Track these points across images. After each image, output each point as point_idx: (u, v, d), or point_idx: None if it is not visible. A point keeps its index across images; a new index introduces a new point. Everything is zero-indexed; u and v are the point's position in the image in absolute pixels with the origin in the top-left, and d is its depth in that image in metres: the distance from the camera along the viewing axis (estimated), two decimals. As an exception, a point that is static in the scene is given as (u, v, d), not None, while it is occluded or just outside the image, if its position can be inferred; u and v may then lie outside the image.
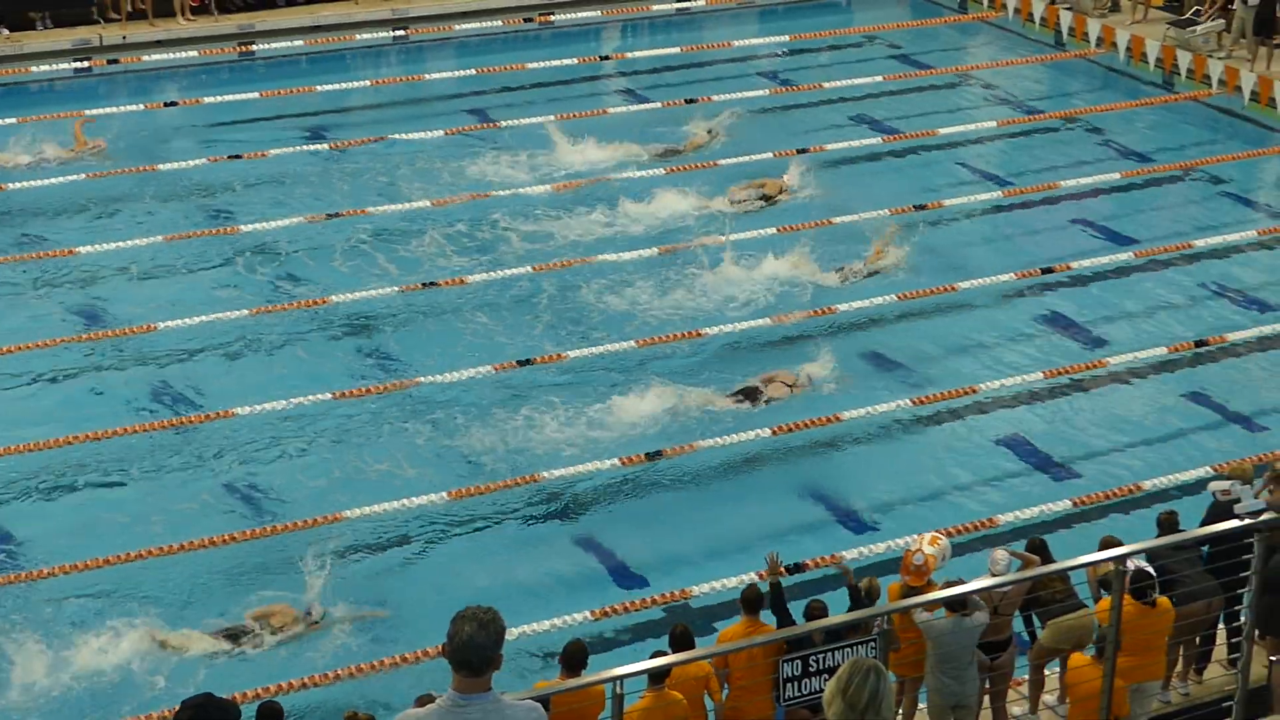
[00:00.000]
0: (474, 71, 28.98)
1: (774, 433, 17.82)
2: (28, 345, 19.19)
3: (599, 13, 32.18)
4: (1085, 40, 30.65)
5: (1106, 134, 27.06)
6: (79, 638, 14.43)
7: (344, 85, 28.44)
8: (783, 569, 12.82)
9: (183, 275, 21.42)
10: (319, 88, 27.75)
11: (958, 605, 11.90)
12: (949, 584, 12.25)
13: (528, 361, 19.02)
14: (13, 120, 25.66)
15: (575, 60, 29.45)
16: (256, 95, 27.04)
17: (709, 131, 25.88)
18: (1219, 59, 28.94)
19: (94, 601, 15.06)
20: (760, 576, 14.61)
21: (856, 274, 21.48)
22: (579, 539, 16.38)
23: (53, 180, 23.78)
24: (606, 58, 30.42)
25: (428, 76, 28.75)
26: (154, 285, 21.10)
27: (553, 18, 31.78)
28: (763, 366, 19.08)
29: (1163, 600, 12.51)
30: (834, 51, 31.30)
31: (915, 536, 13.35)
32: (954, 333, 20.49)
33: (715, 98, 27.30)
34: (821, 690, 10.05)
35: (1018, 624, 13.19)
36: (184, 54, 29.14)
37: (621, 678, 9.59)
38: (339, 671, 13.97)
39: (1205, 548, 13.10)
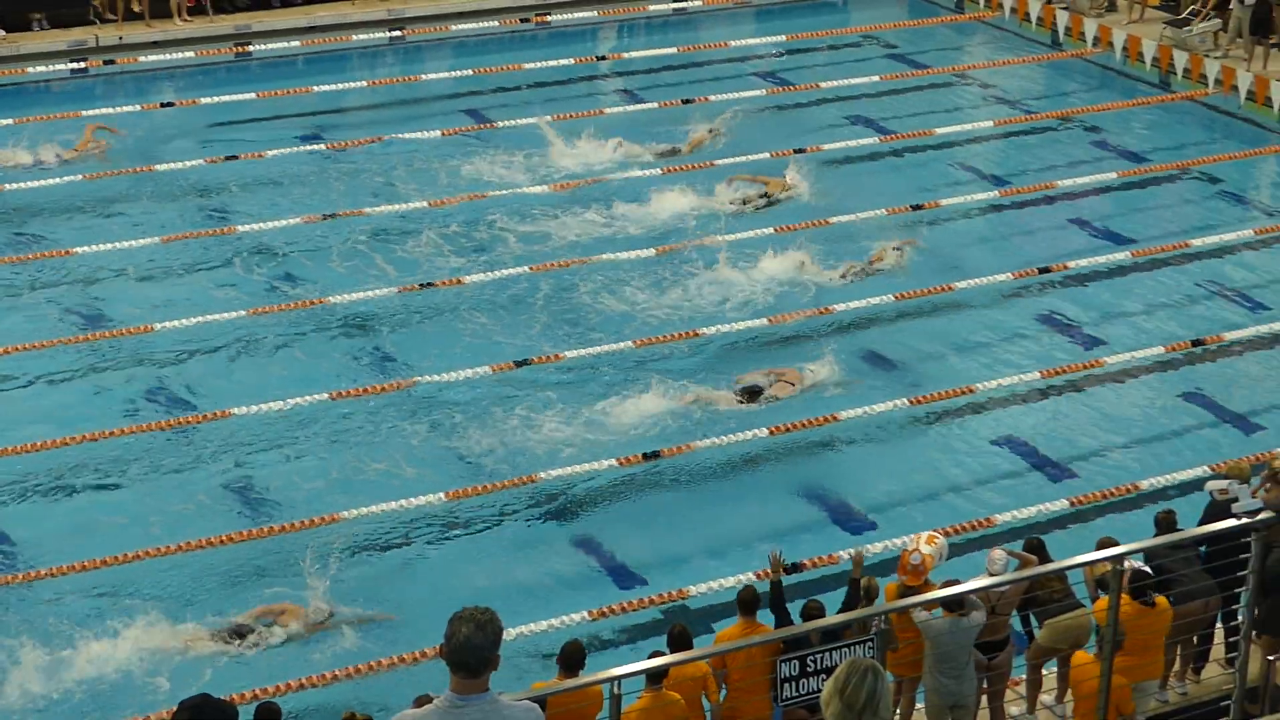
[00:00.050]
0: (471, 72, 28.99)
1: (771, 433, 17.83)
2: (25, 346, 19.19)
3: (596, 13, 32.20)
4: (1082, 40, 30.67)
5: (1103, 134, 27.07)
6: (78, 638, 14.42)
7: (341, 86, 28.44)
8: (784, 567, 12.83)
9: (180, 276, 21.42)
10: (316, 88, 27.75)
11: (955, 605, 11.91)
12: (947, 584, 12.25)
13: (526, 362, 19.03)
14: (10, 121, 25.67)
15: (572, 60, 29.46)
16: (253, 96, 27.05)
17: (710, 131, 25.89)
18: (1215, 59, 28.96)
19: (92, 602, 15.05)
20: (759, 576, 14.64)
21: (855, 274, 21.48)
22: (577, 539, 16.38)
23: (50, 181, 23.79)
24: (603, 58, 30.42)
25: (424, 77, 28.76)
26: (151, 286, 21.10)
27: (549, 18, 31.79)
28: (761, 366, 19.08)
29: (1161, 600, 12.53)
30: (831, 51, 31.31)
31: (912, 536, 13.35)
32: (951, 332, 20.50)
33: (712, 98, 27.32)
34: (819, 690, 10.06)
35: (1015, 623, 13.20)
36: (181, 55, 29.14)
37: (619, 678, 9.59)
38: (337, 672, 13.97)
39: (1202, 547, 13.11)
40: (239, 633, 14.56)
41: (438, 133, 25.97)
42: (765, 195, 23.79)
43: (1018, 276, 21.68)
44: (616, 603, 15.06)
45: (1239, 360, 20.05)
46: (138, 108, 26.65)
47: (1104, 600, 11.67)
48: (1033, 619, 13.15)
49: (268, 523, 16.18)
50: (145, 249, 21.79)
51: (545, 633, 14.41)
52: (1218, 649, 13.58)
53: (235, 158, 24.79)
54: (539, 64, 28.98)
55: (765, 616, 12.49)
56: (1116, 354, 19.80)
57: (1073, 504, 16.70)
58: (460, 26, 31.24)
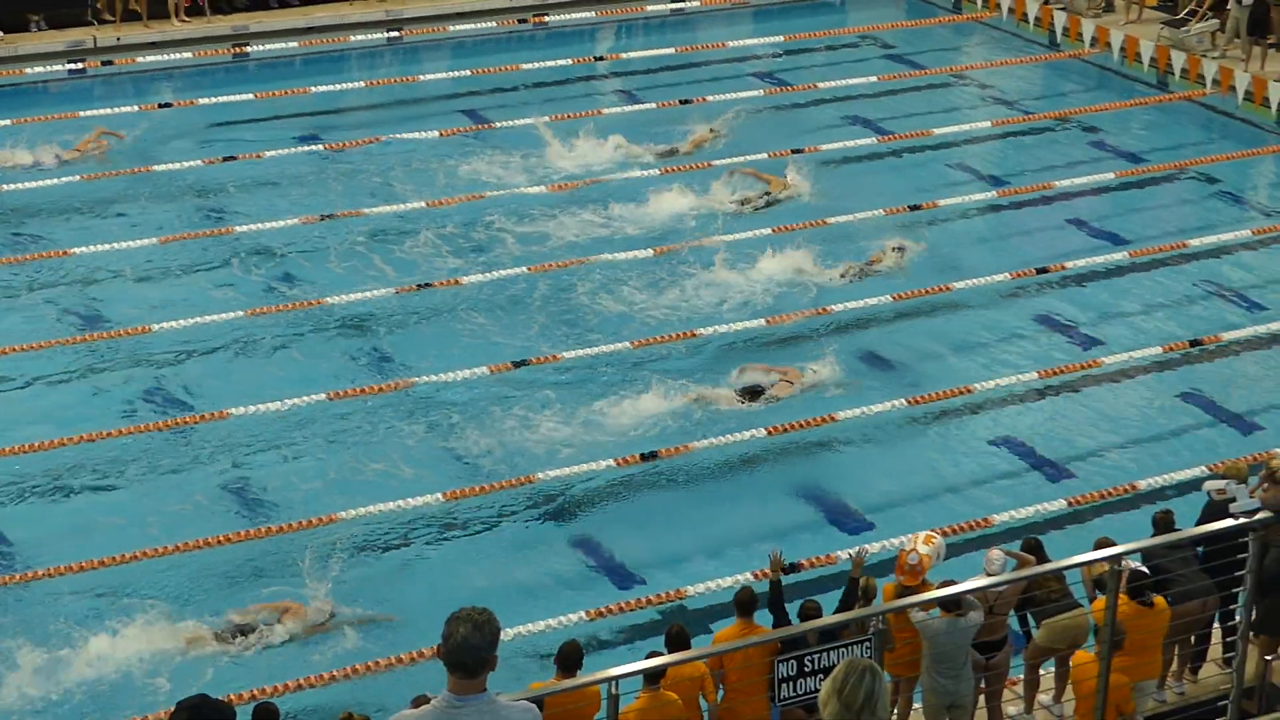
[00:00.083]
0: (468, 72, 28.99)
1: (769, 433, 17.83)
2: (23, 347, 19.20)
3: (593, 13, 32.19)
4: (1079, 40, 30.68)
5: (1101, 134, 27.08)
6: (76, 639, 14.42)
7: (339, 86, 28.44)
8: (783, 567, 12.84)
9: (178, 276, 21.42)
10: (314, 89, 27.75)
11: (953, 605, 11.91)
12: (944, 584, 12.26)
13: (524, 362, 19.03)
14: (8, 122, 25.68)
15: (570, 61, 29.46)
16: (251, 96, 27.03)
17: (711, 130, 25.89)
18: (1213, 59, 28.97)
19: (91, 603, 15.04)
20: (756, 576, 14.65)
21: (854, 274, 21.48)
22: (575, 539, 16.39)
23: (48, 181, 23.79)
24: (601, 58, 30.42)
25: (422, 77, 28.75)
26: (149, 286, 21.10)
27: (547, 19, 31.78)
28: (762, 363, 19.10)
29: (1159, 600, 12.54)
30: (828, 52, 31.31)
31: (910, 536, 13.34)
32: (949, 333, 20.50)
33: (710, 98, 27.33)
34: (817, 690, 10.06)
35: (1013, 623, 13.21)
36: (178, 55, 29.13)
37: (617, 678, 9.60)
38: (335, 673, 13.97)
39: (1200, 547, 13.11)
40: (242, 631, 14.56)
41: (436, 133, 25.97)
42: (766, 194, 23.79)
43: (1015, 277, 21.69)
44: (614, 603, 15.06)
45: (1237, 360, 20.06)
46: (136, 108, 26.63)
47: (1102, 600, 11.68)
48: (1030, 619, 13.16)
49: (266, 523, 16.18)
50: (143, 249, 21.79)
51: (543, 633, 14.41)
52: (1215, 649, 13.60)
53: (233, 158, 24.79)
54: (537, 64, 28.98)
55: (763, 617, 12.50)
56: (1114, 354, 19.81)
57: (1070, 504, 16.71)
58: (458, 27, 31.24)
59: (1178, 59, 28.99)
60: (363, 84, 28.79)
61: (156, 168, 24.35)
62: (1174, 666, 13.39)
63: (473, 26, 31.30)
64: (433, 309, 20.65)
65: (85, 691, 13.95)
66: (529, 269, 21.42)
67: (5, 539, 16.14)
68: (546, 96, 27.93)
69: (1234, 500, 12.11)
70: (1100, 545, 12.29)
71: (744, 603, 12.20)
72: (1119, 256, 22.48)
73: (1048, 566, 12.24)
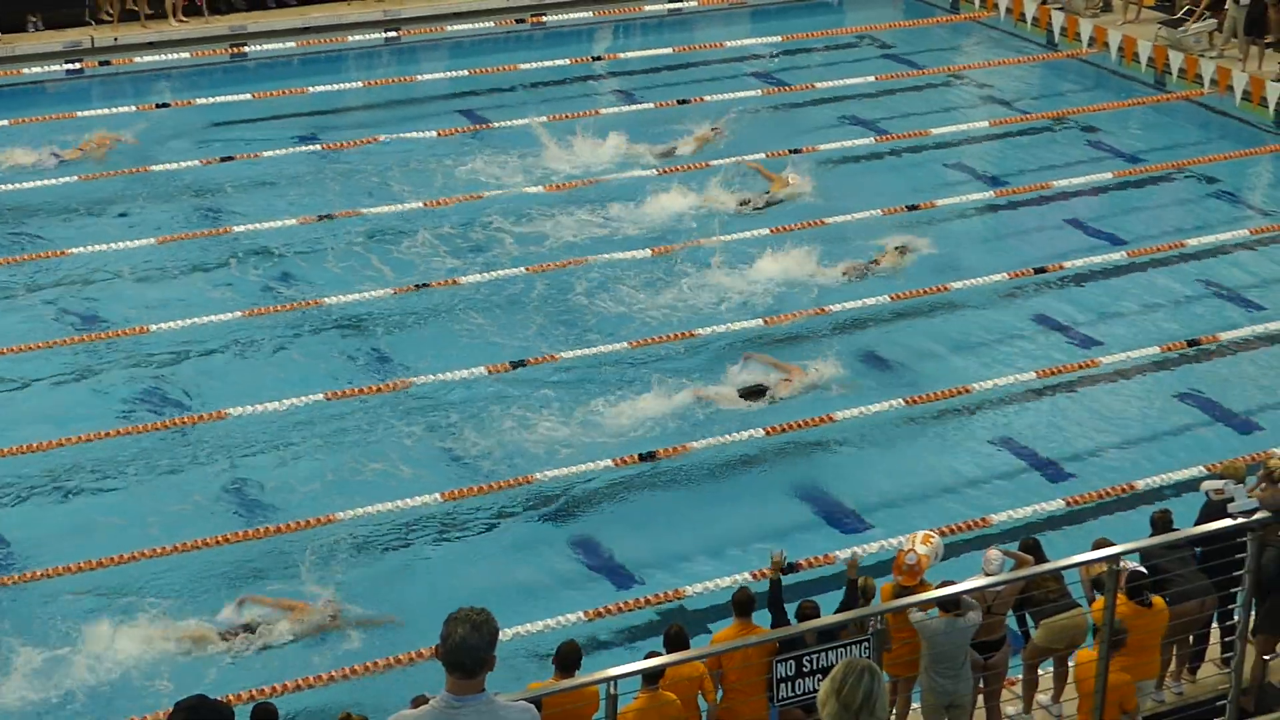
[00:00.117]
0: (466, 73, 28.99)
1: (768, 433, 17.83)
2: (21, 347, 19.20)
3: (591, 14, 32.19)
4: (1077, 40, 30.69)
5: (1098, 134, 27.09)
6: (75, 640, 14.41)
7: (337, 86, 28.44)
8: (785, 566, 12.85)
9: (176, 277, 21.41)
10: (311, 89, 27.74)
11: (951, 605, 11.92)
12: (943, 584, 12.26)
13: (522, 363, 19.03)
14: (6, 122, 25.68)
15: (568, 61, 29.45)
16: (249, 97, 27.03)
17: (714, 130, 25.89)
18: (1210, 59, 28.99)
19: (89, 603, 15.02)
20: (756, 576, 14.66)
21: (854, 274, 21.48)
22: (573, 540, 16.39)
23: (46, 181, 23.79)
24: (599, 58, 30.42)
25: (420, 77, 28.76)
26: (147, 286, 21.10)
27: (545, 19, 31.78)
28: (754, 368, 19.09)
29: (1158, 600, 12.55)
30: (826, 52, 31.31)
31: (908, 536, 13.34)
32: (947, 333, 20.50)
33: (708, 98, 27.33)
34: (815, 690, 10.06)
35: (1012, 623, 13.21)
36: (176, 55, 29.12)
37: (615, 678, 9.61)
38: (334, 673, 13.97)
39: (1198, 547, 13.12)
40: (246, 628, 14.55)
41: (433, 133, 25.97)
42: (767, 195, 23.78)
43: (1013, 277, 21.69)
44: (613, 603, 15.06)
45: (1235, 360, 20.06)
46: (133, 108, 26.61)
47: (1101, 600, 11.69)
48: (1029, 619, 13.17)
49: (264, 523, 16.17)
50: (141, 250, 21.78)
51: (541, 633, 14.41)
52: (1214, 649, 13.61)
53: (231, 158, 24.79)
54: (534, 64, 28.98)
55: (761, 618, 12.50)
56: (1112, 354, 19.82)
57: (1069, 504, 16.71)
58: (456, 27, 31.23)
59: (1175, 59, 29.00)
60: (360, 84, 28.79)
61: (154, 168, 24.34)
62: (1172, 666, 13.40)
63: (470, 26, 31.31)
64: (431, 309, 20.65)
65: (85, 692, 13.94)
66: (527, 269, 21.42)
67: (4, 539, 16.13)
68: (544, 96, 27.93)
69: (1232, 500, 12.14)
70: (1098, 545, 12.30)
71: (742, 603, 12.21)
72: (1117, 256, 22.49)
73: (1046, 566, 12.25)
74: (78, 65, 28.50)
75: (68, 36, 29.27)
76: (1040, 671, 13.25)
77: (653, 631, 14.32)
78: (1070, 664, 12.92)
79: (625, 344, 19.53)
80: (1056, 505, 16.68)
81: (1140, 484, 16.98)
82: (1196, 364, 19.89)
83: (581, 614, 14.80)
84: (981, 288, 21.40)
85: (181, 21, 29.99)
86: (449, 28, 31.17)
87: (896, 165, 25.81)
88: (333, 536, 15.94)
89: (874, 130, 26.82)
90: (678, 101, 27.43)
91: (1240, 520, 11.53)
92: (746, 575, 15.03)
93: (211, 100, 27.00)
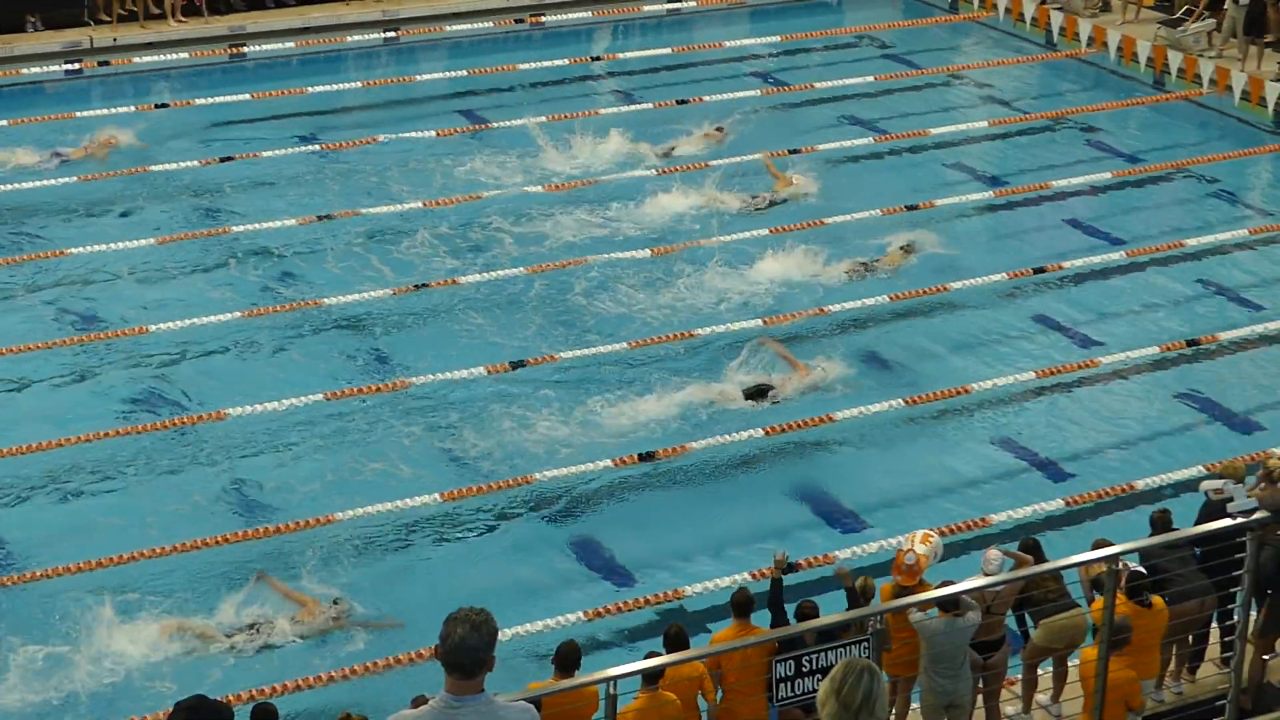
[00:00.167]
0: (465, 73, 28.98)
1: (767, 433, 17.84)
2: (21, 348, 19.19)
3: (590, 14, 32.19)
4: (1076, 40, 30.70)
5: (1098, 134, 27.10)
6: (75, 640, 14.41)
7: (336, 87, 28.43)
8: (786, 566, 12.86)
9: (175, 277, 21.40)
10: (311, 89, 27.73)
11: (951, 605, 11.92)
12: (942, 584, 12.26)
13: (522, 363, 19.02)
14: (4, 123, 25.67)
15: (567, 61, 29.45)
16: (248, 97, 27.02)
17: (717, 129, 25.89)
18: (1209, 59, 28.99)
19: (89, 603, 14.99)
20: (755, 576, 14.66)
21: (853, 274, 21.48)
22: (572, 540, 16.39)
23: (45, 182, 23.78)
24: (598, 59, 30.42)
25: (419, 78, 28.76)
26: (147, 287, 21.09)
27: (544, 19, 31.78)
28: (755, 368, 19.09)
29: (1157, 600, 12.55)
30: (825, 52, 31.31)
31: (907, 536, 13.34)
32: (947, 333, 20.51)
33: (707, 98, 27.33)
34: (815, 690, 10.07)
35: (1011, 623, 13.21)
36: (175, 56, 29.11)
37: (615, 678, 9.61)
38: (333, 673, 13.97)
39: (1197, 548, 13.12)
40: (250, 628, 14.55)
41: (433, 133, 25.97)
42: (770, 194, 23.77)
43: (1013, 277, 21.69)
44: (612, 603, 15.07)
45: (1234, 360, 20.06)
46: (133, 109, 26.60)
47: (1100, 601, 11.70)
48: (1028, 619, 13.17)
49: (264, 523, 16.17)
50: (140, 250, 21.77)
51: (541, 633, 14.41)
52: (1213, 649, 13.61)
53: (230, 159, 24.78)
54: (533, 65, 28.98)
55: (761, 618, 12.50)
56: (1112, 354, 19.82)
57: (1068, 504, 16.72)
58: (455, 27, 31.23)
59: (1174, 59, 29.00)
60: (359, 84, 28.79)
61: (154, 168, 24.33)
62: (1171, 666, 13.41)
63: (469, 26, 31.30)
64: (430, 309, 20.65)
65: (85, 692, 13.94)
66: (526, 269, 21.42)
67: (4, 539, 16.13)
68: (543, 97, 27.93)
69: (1231, 500, 12.13)
70: (1098, 546, 12.31)
71: (740, 604, 12.21)
72: (1116, 256, 22.49)
73: (1045, 566, 12.26)
74: (77, 66, 28.49)
75: (67, 37, 29.26)
76: (1040, 671, 13.25)
77: (652, 632, 14.32)
78: (1074, 663, 12.92)
79: (625, 344, 19.53)
80: (1056, 505, 16.69)
81: (1140, 484, 16.99)
82: (1196, 364, 19.89)
83: (581, 614, 14.80)
84: (981, 288, 21.41)
85: (180, 22, 29.99)
86: (448, 28, 31.16)
87: (896, 165, 25.81)
88: (332, 537, 15.94)
89: (873, 130, 26.83)
90: (677, 102, 27.43)
91: (1240, 520, 11.54)
92: (746, 575, 15.04)
93: (211, 100, 26.99)
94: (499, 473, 17.10)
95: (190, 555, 15.60)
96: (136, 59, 28.91)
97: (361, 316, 20.38)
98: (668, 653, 11.63)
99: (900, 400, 18.59)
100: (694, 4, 32.99)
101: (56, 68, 28.48)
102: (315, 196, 23.74)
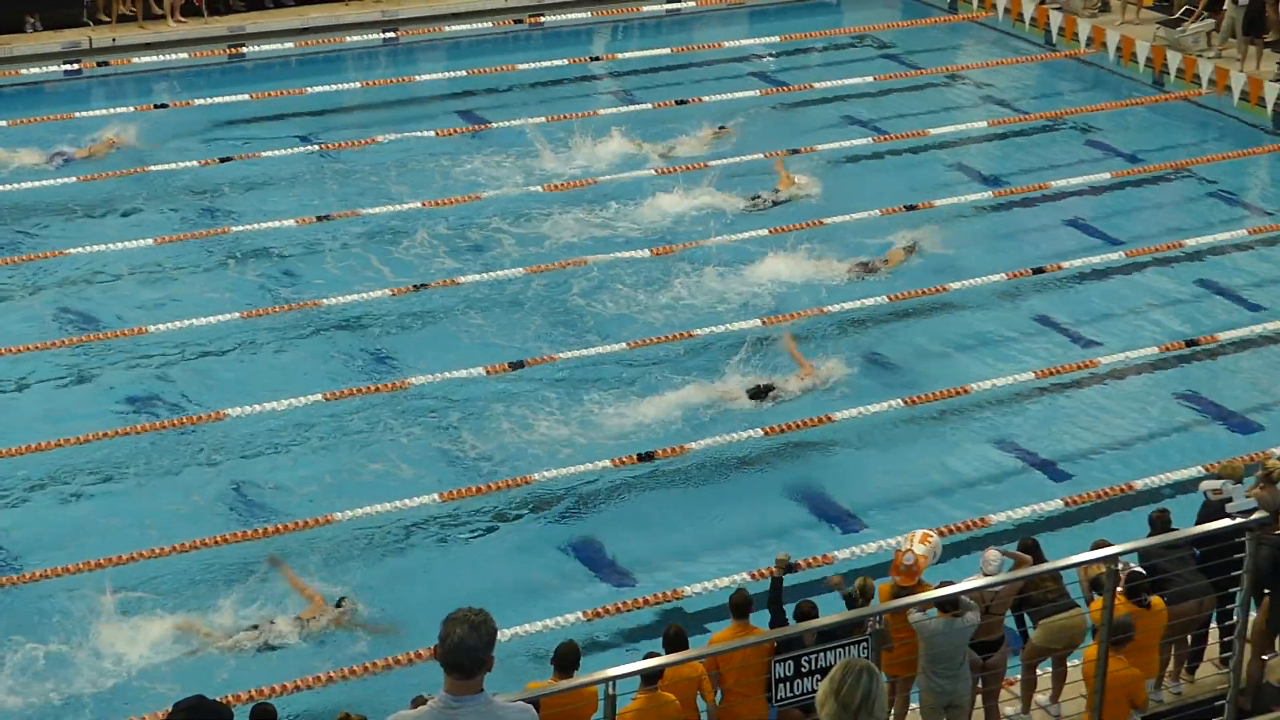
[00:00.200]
0: (464, 73, 28.97)
1: (767, 433, 17.84)
2: (19, 348, 19.19)
3: (589, 14, 32.17)
4: (1075, 40, 30.69)
5: (1097, 134, 27.10)
6: (75, 640, 14.41)
7: (335, 87, 28.41)
8: (787, 567, 12.88)
9: (175, 277, 21.40)
10: (310, 90, 27.72)
11: (950, 605, 11.92)
12: (941, 584, 12.27)
13: (521, 363, 19.03)
14: (4, 123, 25.66)
15: (566, 61, 29.45)
16: (247, 97, 27.01)
17: (721, 129, 25.89)
18: (1209, 59, 28.99)
19: (89, 603, 15.00)
20: (755, 576, 14.67)
21: (853, 274, 21.49)
22: (572, 540, 16.40)
23: (44, 182, 23.77)
24: (597, 59, 30.42)
25: (418, 78, 28.74)
26: (146, 287, 21.09)
27: (543, 19, 31.77)
28: (756, 367, 19.10)
29: (1156, 600, 12.56)
30: (825, 52, 31.31)
31: (906, 536, 13.35)
32: (946, 333, 20.51)
33: (707, 98, 27.32)
34: (814, 691, 10.07)
35: (1010, 623, 13.22)
36: (174, 56, 29.10)
37: (614, 679, 9.61)
38: (333, 673, 13.98)
39: (1196, 548, 13.13)
40: (252, 627, 14.55)
41: (432, 133, 25.96)
42: (774, 194, 23.77)
43: (1012, 277, 21.69)
44: (612, 603, 15.07)
45: (1233, 360, 20.08)
46: (132, 109, 26.58)
47: (1099, 601, 11.71)
48: (1027, 619, 13.17)
49: (264, 524, 16.18)
50: (140, 250, 21.76)
51: (540, 633, 14.41)
52: (1212, 649, 13.62)
53: (229, 159, 24.77)
54: (533, 65, 28.97)
55: (760, 619, 12.50)
56: (1111, 354, 19.83)
57: (1067, 504, 16.72)
58: (454, 28, 31.21)
59: (1173, 59, 28.99)
60: (359, 84, 28.77)
61: (153, 168, 24.33)
62: (1170, 666, 13.42)
63: (469, 27, 31.29)
64: (430, 310, 20.65)
65: (85, 692, 13.94)
66: (526, 269, 21.42)
67: (4, 539, 16.13)
68: (543, 97, 27.93)
69: (1230, 500, 12.14)
70: (1097, 546, 12.31)
71: (739, 605, 12.21)
72: (1115, 256, 22.50)
73: (1045, 567, 12.26)
74: (76, 66, 28.48)
75: (66, 37, 29.24)
76: (1039, 671, 13.25)
77: (652, 632, 14.32)
78: (1076, 662, 12.93)
79: (625, 344, 19.53)
80: (1055, 505, 16.69)
81: (1139, 484, 16.99)
82: (1195, 364, 19.90)
83: (580, 614, 14.81)
84: (981, 288, 21.41)
85: (180, 22, 29.98)
86: (447, 28, 31.15)
87: (895, 165, 25.81)
88: (332, 537, 15.94)
89: (873, 130, 26.82)
90: (676, 102, 27.43)
91: (1238, 520, 11.54)
92: (745, 576, 15.04)
93: (210, 101, 26.98)
94: (499, 473, 17.11)
95: (190, 555, 15.60)
96: (136, 59, 28.89)
97: (361, 317, 20.38)
98: (667, 653, 11.64)
99: (900, 400, 18.60)
100: (694, 4, 32.98)
101: (56, 68, 28.46)
102: (315, 197, 23.74)
